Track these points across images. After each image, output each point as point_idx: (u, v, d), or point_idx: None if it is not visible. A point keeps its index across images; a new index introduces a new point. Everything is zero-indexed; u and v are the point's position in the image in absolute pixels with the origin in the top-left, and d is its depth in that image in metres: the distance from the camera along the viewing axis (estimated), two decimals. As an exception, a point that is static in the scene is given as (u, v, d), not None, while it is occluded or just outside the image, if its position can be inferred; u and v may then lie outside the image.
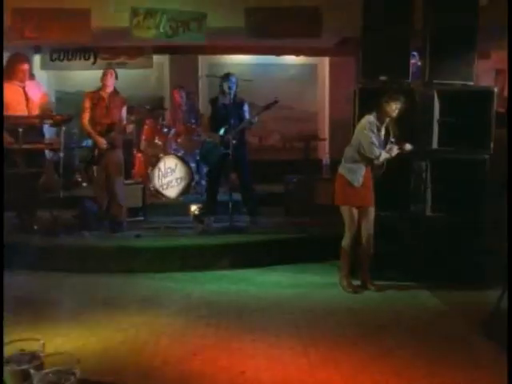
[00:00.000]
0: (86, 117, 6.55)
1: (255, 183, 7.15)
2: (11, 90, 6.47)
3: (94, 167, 6.57)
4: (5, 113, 6.46)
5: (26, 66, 6.55)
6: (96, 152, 6.50)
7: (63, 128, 6.41)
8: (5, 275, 5.23)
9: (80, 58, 9.38)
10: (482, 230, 5.43)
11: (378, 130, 5.13)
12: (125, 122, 6.66)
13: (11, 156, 6.36)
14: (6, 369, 1.13)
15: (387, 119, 5.11)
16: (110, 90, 6.57)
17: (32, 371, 1.09)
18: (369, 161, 5.11)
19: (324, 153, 9.86)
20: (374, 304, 5.00)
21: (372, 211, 5.23)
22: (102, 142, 6.45)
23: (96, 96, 6.58)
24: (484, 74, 6.83)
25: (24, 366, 1.14)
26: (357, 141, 5.15)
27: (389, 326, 4.47)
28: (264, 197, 7.70)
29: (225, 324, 4.43)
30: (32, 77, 6.77)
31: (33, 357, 1.16)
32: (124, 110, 6.69)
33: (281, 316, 4.64)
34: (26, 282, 5.54)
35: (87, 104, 6.57)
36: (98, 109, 6.53)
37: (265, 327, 4.38)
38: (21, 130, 6.13)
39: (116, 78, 6.62)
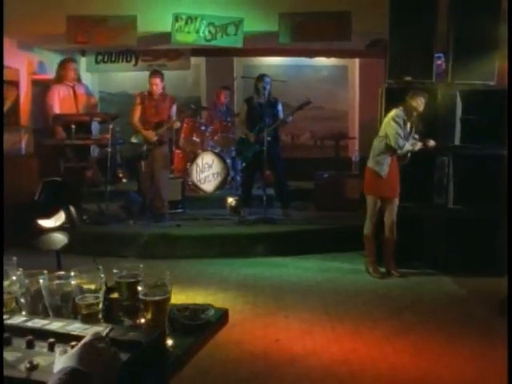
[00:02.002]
0: (136, 115, 7.09)
1: (287, 179, 7.55)
2: (63, 91, 7.07)
3: (142, 162, 7.06)
4: (57, 111, 7.05)
5: (74, 65, 7.19)
6: (145, 147, 6.99)
7: (111, 125, 6.91)
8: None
9: (122, 61, 9.86)
10: (500, 222, 5.74)
11: (405, 123, 5.50)
12: (174, 119, 7.16)
13: (64, 150, 6.94)
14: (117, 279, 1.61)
15: (414, 114, 5.47)
16: (158, 91, 7.06)
17: (140, 283, 1.56)
18: (393, 151, 5.49)
19: (353, 150, 10.19)
20: (397, 288, 5.39)
21: (396, 201, 5.60)
22: (152, 135, 6.96)
23: (146, 96, 7.10)
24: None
25: (132, 279, 1.61)
26: (384, 131, 5.53)
27: (411, 306, 4.87)
28: (295, 192, 8.09)
29: (260, 302, 4.89)
30: (79, 80, 7.34)
31: (135, 274, 1.64)
32: (174, 109, 7.19)
33: (311, 296, 5.08)
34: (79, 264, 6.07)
35: (137, 104, 7.11)
36: (147, 108, 7.06)
37: (296, 306, 4.82)
38: (73, 126, 6.67)
39: (162, 79, 7.10)
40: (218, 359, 3.71)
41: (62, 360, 1.13)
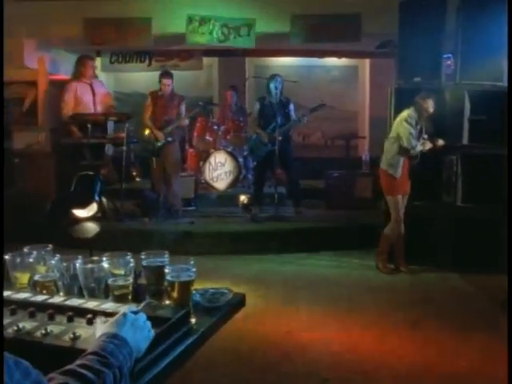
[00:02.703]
0: (147, 114, 7.30)
1: (298, 178, 7.67)
2: (81, 88, 7.23)
3: (153, 159, 7.25)
4: (75, 109, 7.21)
5: (92, 63, 7.38)
6: (156, 145, 7.19)
7: (126, 124, 7.08)
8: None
9: (136, 61, 10.08)
10: (507, 220, 5.84)
11: (416, 123, 5.63)
12: (182, 116, 7.35)
13: (80, 149, 7.11)
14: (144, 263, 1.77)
15: (424, 114, 5.60)
16: (169, 91, 7.26)
17: (166, 267, 1.72)
18: (405, 151, 5.62)
19: (364, 150, 10.29)
20: (406, 283, 5.53)
21: (406, 199, 5.74)
22: (161, 136, 7.16)
23: (156, 95, 7.31)
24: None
25: (158, 263, 1.78)
26: (395, 133, 5.66)
27: (419, 301, 5.00)
28: (306, 191, 8.21)
29: (272, 296, 5.05)
30: (96, 76, 7.54)
31: (163, 254, 1.81)
32: (183, 107, 7.38)
33: (321, 290, 5.23)
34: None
35: (148, 102, 7.32)
36: (157, 107, 7.26)
37: (307, 299, 4.98)
38: (89, 126, 6.85)
39: (172, 79, 7.30)
40: (232, 348, 3.88)
41: (103, 327, 1.29)
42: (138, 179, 9.67)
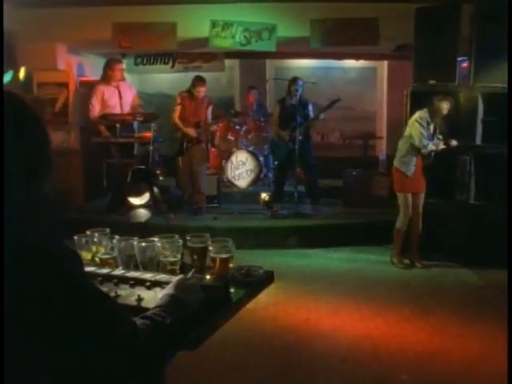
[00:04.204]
0: (177, 113, 7.60)
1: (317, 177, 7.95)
2: (108, 91, 7.56)
3: (180, 158, 7.58)
4: (103, 111, 7.55)
5: (122, 66, 7.70)
6: (185, 144, 7.51)
7: (152, 124, 7.41)
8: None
9: (160, 63, 10.42)
10: (507, 219, 6.05)
11: (428, 124, 5.90)
12: (210, 121, 7.66)
13: (109, 148, 7.46)
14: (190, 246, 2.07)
15: (438, 116, 5.85)
16: (201, 96, 7.60)
17: (210, 245, 2.03)
18: (417, 151, 5.88)
19: (381, 150, 10.53)
20: (419, 277, 5.80)
21: (421, 196, 6.01)
22: (192, 132, 7.48)
23: (187, 96, 7.61)
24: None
25: (202, 244, 2.08)
26: (408, 132, 5.94)
27: (431, 293, 5.27)
28: (325, 189, 8.46)
29: (292, 287, 5.34)
30: (124, 78, 7.87)
31: (205, 235, 2.11)
32: (210, 110, 7.70)
33: (339, 283, 5.52)
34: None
35: (178, 103, 7.62)
36: (187, 108, 7.57)
37: (325, 290, 5.27)
38: (118, 125, 7.18)
39: (205, 85, 7.62)
40: (255, 332, 4.20)
41: (163, 291, 1.60)
42: (161, 178, 10.00)
